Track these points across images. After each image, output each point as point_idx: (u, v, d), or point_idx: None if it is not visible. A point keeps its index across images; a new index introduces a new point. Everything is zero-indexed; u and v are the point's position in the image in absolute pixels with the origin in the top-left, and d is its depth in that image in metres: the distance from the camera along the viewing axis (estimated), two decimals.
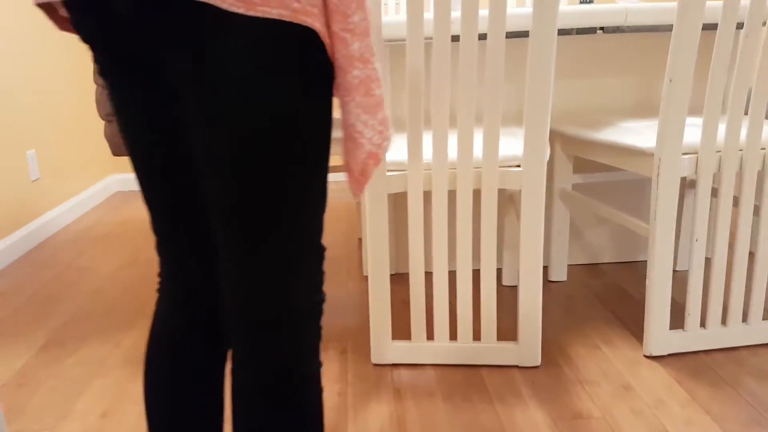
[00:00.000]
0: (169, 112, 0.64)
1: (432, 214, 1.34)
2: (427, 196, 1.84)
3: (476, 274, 1.92)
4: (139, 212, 2.96)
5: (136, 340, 1.62)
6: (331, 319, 1.68)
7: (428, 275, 1.92)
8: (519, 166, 1.31)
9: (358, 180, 0.67)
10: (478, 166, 1.31)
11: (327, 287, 1.91)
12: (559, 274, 1.89)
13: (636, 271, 1.94)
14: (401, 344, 1.42)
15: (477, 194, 1.82)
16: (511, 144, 1.35)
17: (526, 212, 1.32)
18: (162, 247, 0.70)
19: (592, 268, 1.98)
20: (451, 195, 1.31)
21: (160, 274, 0.72)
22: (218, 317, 0.73)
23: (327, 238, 2.39)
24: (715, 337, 1.42)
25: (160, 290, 0.73)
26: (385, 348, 1.42)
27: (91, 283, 2.03)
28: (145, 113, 0.64)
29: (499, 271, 1.97)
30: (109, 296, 1.91)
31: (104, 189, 3.27)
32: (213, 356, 0.74)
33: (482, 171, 1.30)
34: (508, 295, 1.79)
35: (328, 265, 2.10)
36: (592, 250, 2.01)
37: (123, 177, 3.49)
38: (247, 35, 0.55)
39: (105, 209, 3.02)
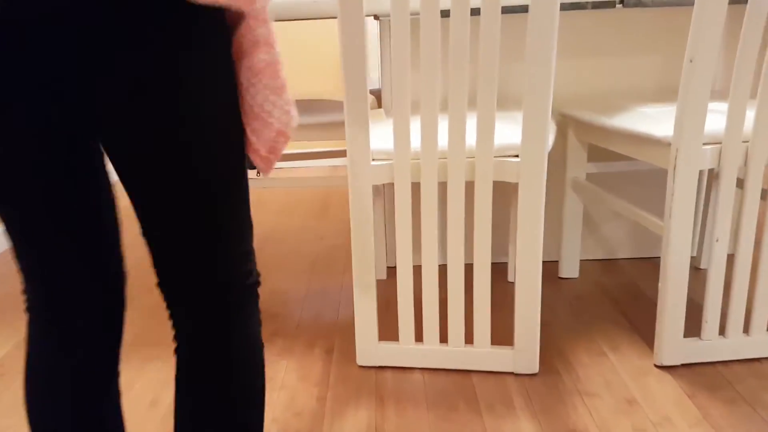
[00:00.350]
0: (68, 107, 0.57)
1: (421, 207, 1.23)
2: (418, 187, 1.72)
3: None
4: None
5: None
6: (321, 314, 1.59)
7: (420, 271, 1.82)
8: (517, 156, 1.19)
9: (267, 158, 0.68)
10: (471, 156, 1.19)
11: (321, 279, 1.82)
12: (570, 270, 1.77)
13: (655, 268, 1.79)
14: (388, 346, 1.32)
15: (472, 186, 1.70)
16: (509, 131, 1.23)
17: (524, 207, 1.20)
18: (28, 257, 0.61)
19: (607, 264, 1.84)
20: (444, 186, 1.20)
21: (26, 291, 0.63)
22: (100, 331, 0.67)
23: (327, 226, 2.31)
24: (735, 346, 1.28)
25: (28, 309, 0.64)
26: (371, 349, 1.32)
27: None
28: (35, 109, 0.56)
29: (504, 265, 1.86)
30: None
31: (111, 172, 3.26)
32: (98, 372, 0.67)
33: (476, 161, 1.18)
34: (512, 293, 1.67)
35: (325, 255, 2.01)
36: (608, 244, 1.87)
37: None
38: (199, 23, 0.56)
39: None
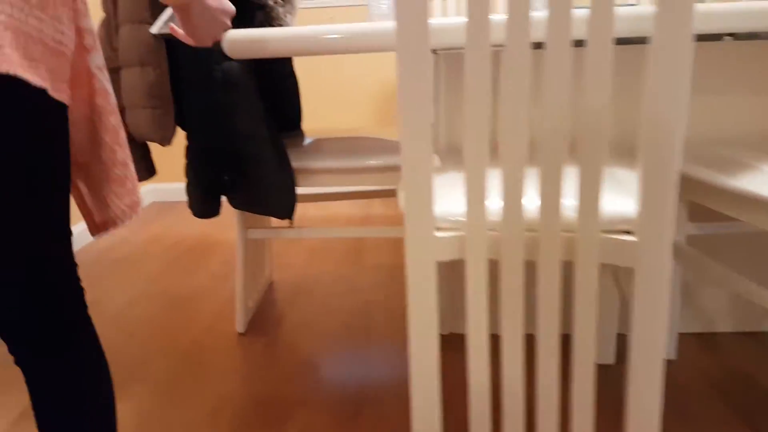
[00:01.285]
0: None
1: (501, 300, 0.95)
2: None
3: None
4: (172, 227, 2.70)
5: (121, 414, 1.31)
6: (337, 407, 1.31)
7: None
8: (629, 232, 0.90)
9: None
10: (568, 230, 0.91)
11: (349, 345, 1.54)
12: (667, 350, 1.45)
13: (764, 347, 1.47)
14: None
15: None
16: (619, 197, 0.94)
17: (643, 303, 0.90)
18: None
19: (706, 339, 1.53)
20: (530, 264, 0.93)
21: None
22: None
23: (362, 276, 2.03)
24: None
25: None
26: None
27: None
28: None
29: None
30: (107, 346, 1.62)
31: None
32: None
33: (577, 238, 0.90)
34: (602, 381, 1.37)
35: (359, 313, 1.73)
36: (707, 315, 1.56)
37: (161, 187, 3.27)
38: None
39: (135, 224, 2.79)
